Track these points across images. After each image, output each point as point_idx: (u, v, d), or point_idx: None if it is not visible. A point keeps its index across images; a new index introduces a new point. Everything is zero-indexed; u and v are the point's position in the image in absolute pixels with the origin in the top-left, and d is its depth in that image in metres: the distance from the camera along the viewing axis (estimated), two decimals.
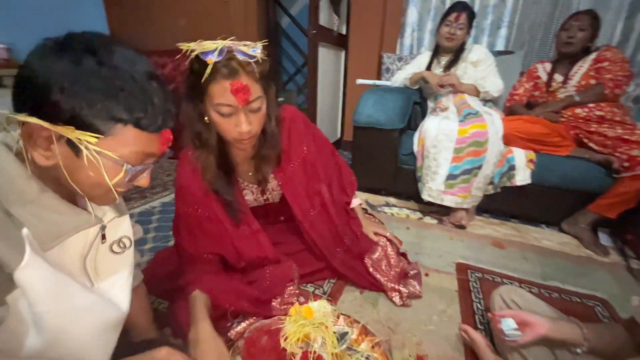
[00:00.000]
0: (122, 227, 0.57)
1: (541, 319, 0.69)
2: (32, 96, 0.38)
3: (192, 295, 0.80)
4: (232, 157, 0.89)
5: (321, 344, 0.76)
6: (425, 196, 1.54)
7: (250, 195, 1.00)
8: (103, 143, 0.40)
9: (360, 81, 2.21)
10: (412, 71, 1.88)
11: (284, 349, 0.76)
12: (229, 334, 0.83)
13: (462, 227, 1.52)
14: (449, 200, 1.49)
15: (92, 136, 0.39)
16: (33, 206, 0.42)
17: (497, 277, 1.14)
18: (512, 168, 1.49)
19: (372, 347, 0.81)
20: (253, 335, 0.82)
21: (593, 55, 1.56)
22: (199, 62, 0.66)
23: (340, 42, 2.60)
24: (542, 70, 1.73)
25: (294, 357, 0.74)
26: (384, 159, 1.77)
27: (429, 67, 1.85)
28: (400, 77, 1.90)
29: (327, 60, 2.50)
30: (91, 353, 0.49)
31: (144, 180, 0.48)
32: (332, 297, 1.02)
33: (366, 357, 0.78)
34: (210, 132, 0.76)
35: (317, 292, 1.05)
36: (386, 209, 1.71)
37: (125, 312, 0.54)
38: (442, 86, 1.68)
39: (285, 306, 0.92)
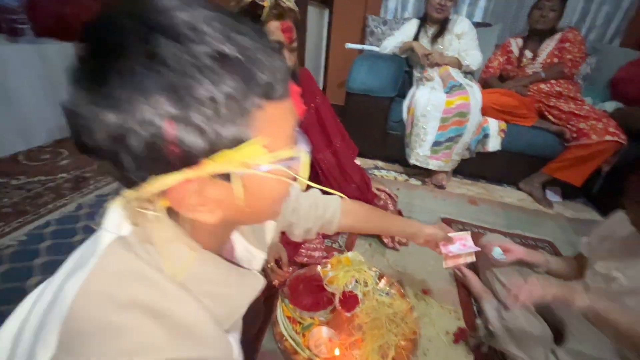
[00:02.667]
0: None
1: (519, 247, 0.93)
2: (141, 154, 0.24)
3: None
4: None
5: (354, 284, 0.94)
6: (413, 160, 1.73)
7: None
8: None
9: (349, 45, 2.23)
10: (401, 39, 1.95)
11: (318, 291, 0.93)
12: (273, 282, 0.97)
13: (442, 187, 1.76)
14: (433, 165, 1.70)
15: (253, 153, 0.26)
16: (208, 285, 0.33)
17: (475, 229, 1.40)
18: (486, 136, 1.72)
19: (389, 285, 1.02)
20: (293, 283, 0.97)
21: (558, 36, 1.76)
22: (254, 7, 0.79)
23: (324, 1, 2.53)
24: (515, 45, 1.91)
25: (334, 297, 0.91)
26: (374, 125, 1.90)
27: (416, 37, 1.93)
28: (390, 44, 1.97)
29: (312, 19, 2.44)
30: None
31: (304, 167, 0.31)
32: (347, 249, 1.20)
33: (386, 293, 0.99)
34: None
35: (334, 245, 1.22)
36: (376, 172, 1.88)
37: None
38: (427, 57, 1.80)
39: (311, 252, 1.09)
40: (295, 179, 0.30)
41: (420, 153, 1.70)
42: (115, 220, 0.31)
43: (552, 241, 1.37)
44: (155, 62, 0.22)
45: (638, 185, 0.65)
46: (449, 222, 1.43)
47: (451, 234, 0.81)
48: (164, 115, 0.22)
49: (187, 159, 0.24)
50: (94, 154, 0.25)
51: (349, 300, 0.90)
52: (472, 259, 0.84)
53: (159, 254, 0.30)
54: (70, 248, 1.29)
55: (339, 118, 1.28)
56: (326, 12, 2.63)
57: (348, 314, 0.88)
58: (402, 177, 1.85)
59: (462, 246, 0.81)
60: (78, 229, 1.21)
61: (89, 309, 0.27)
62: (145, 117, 0.22)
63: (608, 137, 1.45)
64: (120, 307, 0.27)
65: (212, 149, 0.24)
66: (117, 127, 0.23)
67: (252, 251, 0.42)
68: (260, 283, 0.39)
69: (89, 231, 1.26)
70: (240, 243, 0.42)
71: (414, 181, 1.82)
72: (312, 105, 1.10)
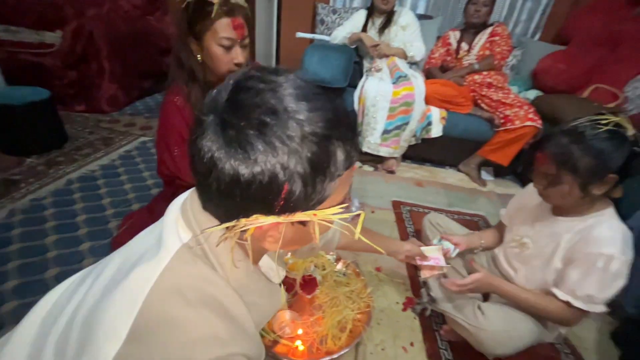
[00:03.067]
0: None
1: (462, 238, 1.04)
2: (262, 198, 0.31)
3: None
4: None
5: (313, 269, 1.01)
6: (365, 148, 1.82)
7: None
8: (331, 202, 0.35)
9: (300, 34, 2.23)
10: (350, 30, 2.01)
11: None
12: None
13: (392, 172, 1.89)
14: (384, 152, 1.81)
15: (339, 211, 0.34)
16: (252, 296, 0.40)
17: (421, 209, 1.54)
18: (430, 123, 1.86)
19: (346, 266, 1.10)
20: None
21: (489, 30, 1.95)
22: (202, 4, 0.79)
23: None
24: (453, 37, 2.07)
25: (295, 282, 0.97)
26: None
27: (364, 28, 2.00)
28: (340, 34, 2.02)
29: (260, 7, 2.39)
30: None
31: (361, 222, 0.40)
32: None
33: (343, 274, 1.07)
34: (201, 69, 0.89)
35: None
36: None
37: None
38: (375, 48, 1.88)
39: None
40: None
41: (372, 141, 1.80)
42: (174, 228, 0.38)
43: (484, 215, 1.57)
44: (289, 139, 0.30)
45: (540, 160, 0.78)
46: (398, 205, 1.55)
47: (423, 248, 0.89)
48: (286, 175, 0.30)
49: (287, 209, 0.32)
50: (205, 188, 0.33)
51: (309, 284, 0.97)
52: (445, 270, 0.91)
53: (220, 265, 0.37)
54: (4, 259, 1.19)
55: None
56: (275, 0, 2.58)
57: (308, 297, 0.95)
58: (355, 165, 1.94)
59: (435, 261, 0.90)
60: (14, 238, 1.11)
61: (162, 303, 0.33)
62: (273, 175, 0.30)
63: (528, 123, 1.67)
64: (190, 303, 0.33)
65: (307, 206, 0.33)
66: (247, 177, 0.30)
67: (273, 268, 0.48)
68: (283, 296, 0.48)
69: (26, 239, 1.18)
70: (264, 261, 0.47)
71: (366, 167, 1.92)
72: None
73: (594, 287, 0.71)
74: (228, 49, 0.84)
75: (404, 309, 1.00)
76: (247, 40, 0.87)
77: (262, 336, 0.85)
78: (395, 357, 0.86)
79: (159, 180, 1.54)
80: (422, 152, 1.99)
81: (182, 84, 0.89)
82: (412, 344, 0.90)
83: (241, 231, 0.34)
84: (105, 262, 0.42)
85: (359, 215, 0.39)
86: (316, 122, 0.31)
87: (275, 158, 0.29)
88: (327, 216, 0.34)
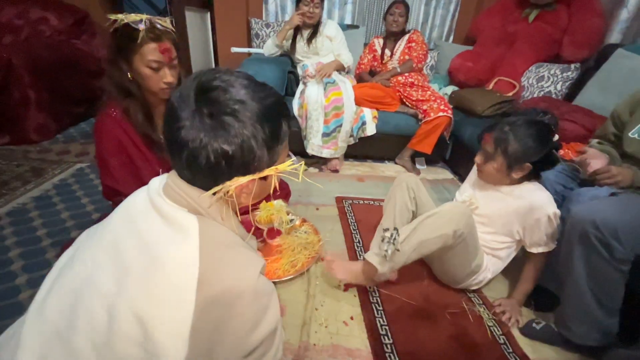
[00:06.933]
0: None
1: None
2: (242, 163, 0.44)
3: None
4: (151, 108, 1.03)
5: (279, 223, 1.20)
6: (310, 150, 1.94)
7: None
8: (280, 160, 0.50)
9: (235, 49, 2.30)
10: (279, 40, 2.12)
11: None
12: None
13: (336, 171, 2.02)
14: (326, 153, 1.94)
15: (290, 164, 0.50)
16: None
17: (362, 201, 1.69)
18: (364, 123, 2.03)
19: (309, 227, 1.35)
20: None
21: (407, 37, 2.18)
22: (129, 29, 0.86)
23: (203, 4, 2.53)
24: (378, 44, 2.29)
25: (263, 232, 1.22)
26: None
27: (293, 39, 2.13)
28: (270, 43, 2.12)
29: (194, 24, 2.43)
30: None
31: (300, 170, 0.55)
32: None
33: (305, 231, 1.32)
34: (135, 86, 0.95)
35: None
36: None
37: None
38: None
39: None
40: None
41: (315, 143, 1.93)
42: (174, 207, 0.47)
43: None
44: (255, 117, 0.43)
45: (485, 140, 1.00)
46: (341, 200, 1.68)
47: None
48: (257, 143, 0.44)
49: (259, 168, 0.47)
50: (193, 168, 0.44)
51: (273, 232, 1.25)
52: None
53: (224, 223, 0.49)
54: None
55: None
56: (207, 16, 2.63)
57: (273, 242, 1.24)
58: (302, 167, 2.04)
59: None
60: None
61: (216, 253, 0.45)
62: (249, 145, 0.44)
63: (441, 114, 1.91)
64: (230, 247, 0.47)
65: (270, 164, 0.48)
66: (232, 150, 0.43)
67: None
68: (254, 246, 0.61)
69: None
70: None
71: (312, 169, 2.04)
72: None
73: (550, 236, 1.00)
74: (157, 70, 0.92)
75: (345, 289, 1.11)
76: (175, 61, 0.95)
77: None
78: (337, 331, 0.96)
79: (99, 205, 1.52)
80: (362, 149, 2.16)
81: (120, 100, 0.94)
82: (352, 318, 1.01)
83: (225, 192, 0.46)
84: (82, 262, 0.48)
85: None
86: (270, 105, 0.45)
87: (248, 132, 0.43)
88: (284, 168, 0.49)
